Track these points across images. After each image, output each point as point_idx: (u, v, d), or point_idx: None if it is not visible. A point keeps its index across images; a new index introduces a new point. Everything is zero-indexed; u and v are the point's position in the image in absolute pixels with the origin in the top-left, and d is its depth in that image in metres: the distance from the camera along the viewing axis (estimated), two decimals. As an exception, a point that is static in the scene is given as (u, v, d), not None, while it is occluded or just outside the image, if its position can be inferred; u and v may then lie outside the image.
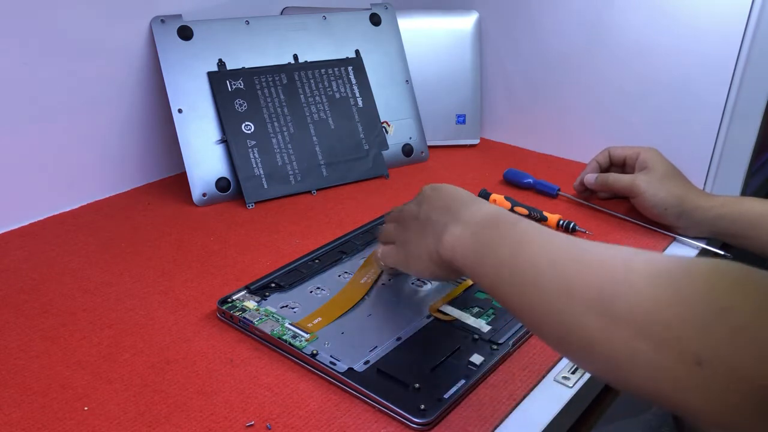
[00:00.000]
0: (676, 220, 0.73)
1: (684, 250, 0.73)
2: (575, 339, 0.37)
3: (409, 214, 0.56)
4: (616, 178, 0.77)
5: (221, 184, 0.81)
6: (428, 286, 0.64)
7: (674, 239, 0.74)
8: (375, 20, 0.93)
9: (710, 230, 0.71)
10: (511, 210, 0.78)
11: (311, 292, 0.63)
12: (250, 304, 0.60)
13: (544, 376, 0.53)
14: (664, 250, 0.72)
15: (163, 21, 0.80)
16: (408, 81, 0.94)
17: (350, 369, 0.52)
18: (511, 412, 0.50)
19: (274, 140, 0.83)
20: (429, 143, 0.96)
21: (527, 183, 0.85)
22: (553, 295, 0.39)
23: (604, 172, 0.81)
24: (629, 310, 0.34)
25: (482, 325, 0.57)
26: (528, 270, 0.41)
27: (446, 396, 0.49)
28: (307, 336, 0.56)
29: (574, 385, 0.53)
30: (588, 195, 0.83)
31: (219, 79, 0.82)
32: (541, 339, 0.41)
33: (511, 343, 0.55)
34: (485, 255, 0.46)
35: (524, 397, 0.51)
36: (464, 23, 0.95)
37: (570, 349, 0.39)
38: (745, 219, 0.67)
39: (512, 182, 0.87)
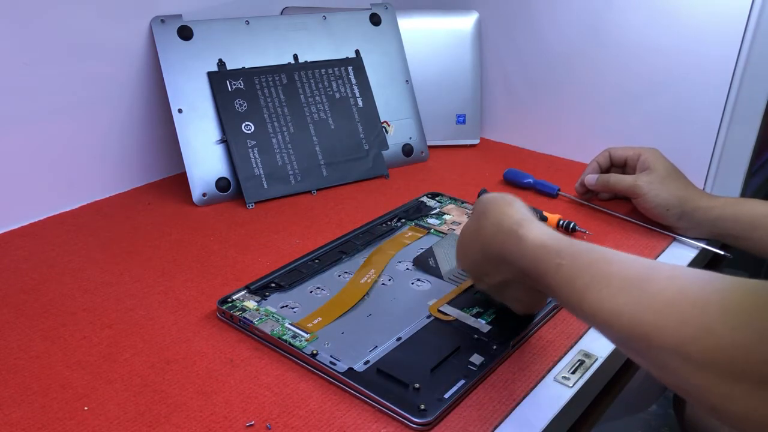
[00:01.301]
0: (677, 220, 0.73)
1: (684, 250, 0.73)
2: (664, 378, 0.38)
3: (473, 212, 0.57)
4: (618, 179, 0.77)
5: (221, 184, 0.81)
6: (428, 286, 0.64)
7: (674, 239, 0.74)
8: (375, 20, 0.93)
9: (711, 231, 0.71)
10: (511, 210, 0.78)
11: (311, 292, 0.63)
12: (250, 304, 0.60)
13: (544, 376, 0.53)
14: (663, 250, 0.72)
15: (163, 21, 0.80)
16: (408, 81, 0.94)
17: (350, 369, 0.52)
18: (511, 412, 0.50)
19: (274, 140, 0.83)
20: (429, 143, 0.96)
21: (527, 183, 0.85)
22: (630, 342, 0.39)
23: (604, 172, 0.81)
24: (712, 357, 0.34)
25: (482, 325, 0.57)
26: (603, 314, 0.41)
27: (446, 396, 0.49)
28: (307, 336, 0.56)
29: (574, 385, 0.53)
30: (589, 196, 0.82)
31: (219, 79, 0.82)
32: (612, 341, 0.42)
33: (511, 343, 0.55)
34: (565, 264, 0.45)
35: (524, 397, 0.51)
36: (464, 23, 0.95)
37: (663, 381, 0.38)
38: (745, 220, 0.67)
39: (512, 182, 0.87)
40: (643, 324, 0.37)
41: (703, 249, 0.72)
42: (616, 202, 0.82)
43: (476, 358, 0.53)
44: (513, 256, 0.50)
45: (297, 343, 0.55)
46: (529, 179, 0.85)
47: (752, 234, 0.67)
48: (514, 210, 0.52)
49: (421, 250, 0.69)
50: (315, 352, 0.54)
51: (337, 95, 0.88)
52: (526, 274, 0.49)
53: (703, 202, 0.71)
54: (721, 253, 0.72)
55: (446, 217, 0.77)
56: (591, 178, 0.80)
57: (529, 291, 0.54)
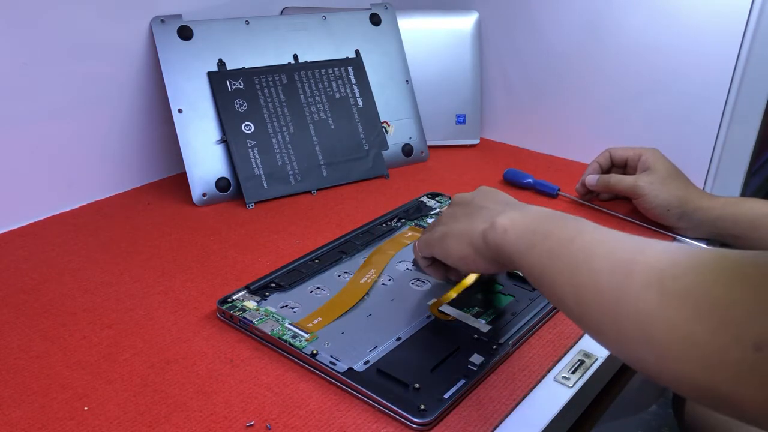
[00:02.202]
0: (677, 221, 0.73)
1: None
2: (630, 319, 0.36)
3: (459, 200, 0.56)
4: (618, 180, 0.77)
5: (221, 184, 0.81)
6: (428, 286, 0.64)
7: (674, 240, 0.74)
8: (375, 20, 0.93)
9: (711, 231, 0.71)
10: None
11: (311, 292, 0.63)
12: (250, 304, 0.60)
13: (544, 376, 0.53)
14: (664, 250, 0.72)
15: (163, 21, 0.80)
16: (408, 81, 0.94)
17: (350, 369, 0.52)
18: (511, 412, 0.50)
19: (274, 140, 0.83)
20: (429, 143, 0.96)
21: (527, 183, 0.85)
22: (611, 274, 0.38)
23: (605, 173, 0.81)
24: (688, 289, 0.34)
25: (482, 325, 0.57)
26: (584, 251, 0.41)
27: (446, 396, 0.49)
28: (307, 336, 0.56)
29: (574, 385, 0.53)
30: (590, 197, 0.82)
31: (219, 79, 0.82)
32: (588, 324, 0.40)
33: (511, 343, 0.55)
34: (538, 241, 0.45)
35: (524, 397, 0.51)
36: (464, 23, 0.95)
37: (621, 330, 0.37)
38: (745, 220, 0.67)
39: (512, 182, 0.87)
40: (626, 257, 0.38)
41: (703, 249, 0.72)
42: (616, 202, 0.82)
43: (476, 358, 0.53)
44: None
45: (297, 343, 0.55)
46: (529, 179, 0.85)
47: (752, 234, 0.67)
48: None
49: (421, 250, 0.69)
50: (315, 352, 0.54)
51: (337, 95, 0.88)
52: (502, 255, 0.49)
53: (703, 202, 0.71)
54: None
55: (446, 217, 0.77)
56: (591, 179, 0.80)
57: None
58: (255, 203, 0.81)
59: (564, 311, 0.43)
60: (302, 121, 0.85)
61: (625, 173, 0.79)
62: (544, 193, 0.84)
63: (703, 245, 0.72)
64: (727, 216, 0.69)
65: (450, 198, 0.81)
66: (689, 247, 0.37)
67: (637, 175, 0.76)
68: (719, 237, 0.72)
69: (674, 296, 0.34)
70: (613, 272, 0.38)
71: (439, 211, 0.78)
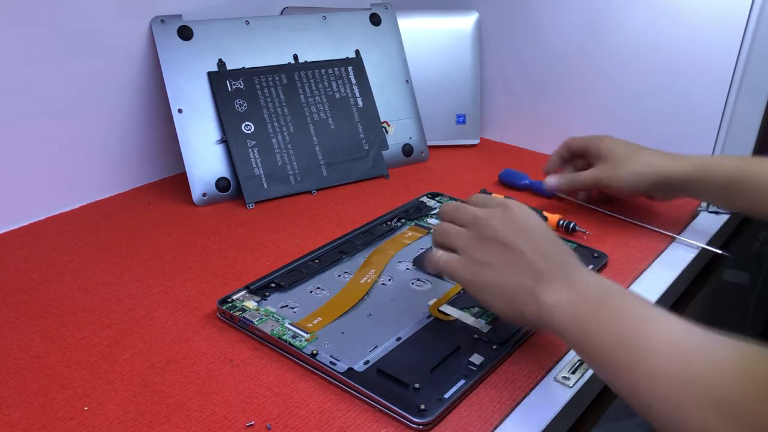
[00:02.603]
0: (655, 193, 0.73)
1: (684, 251, 0.73)
2: (688, 428, 0.38)
3: (493, 234, 0.51)
4: (580, 178, 0.76)
5: (221, 184, 0.81)
6: (428, 286, 0.64)
7: (674, 240, 0.74)
8: (375, 20, 0.93)
9: (686, 194, 0.71)
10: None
11: (311, 292, 0.63)
12: (250, 304, 0.60)
13: (544, 376, 0.53)
14: (663, 251, 0.72)
15: (163, 21, 0.80)
16: (408, 81, 0.94)
17: (350, 369, 0.52)
18: (511, 412, 0.50)
19: (274, 140, 0.83)
20: (429, 143, 0.96)
21: (523, 185, 0.85)
22: (669, 385, 0.39)
23: (566, 163, 0.80)
24: (742, 412, 0.35)
25: (482, 325, 0.57)
26: (640, 356, 0.41)
27: (446, 396, 0.49)
28: (307, 336, 0.56)
29: (574, 385, 0.53)
30: (584, 195, 0.81)
31: (219, 79, 0.82)
32: (648, 420, 0.41)
33: (511, 343, 0.55)
34: (593, 332, 0.45)
35: (524, 397, 0.51)
36: (464, 23, 0.95)
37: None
38: (719, 179, 0.67)
39: (508, 184, 0.87)
40: (684, 369, 0.39)
41: (703, 249, 0.72)
42: (613, 204, 0.81)
43: (476, 358, 0.53)
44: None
45: (297, 343, 0.55)
46: (525, 181, 0.85)
47: (722, 194, 0.68)
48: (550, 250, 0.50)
49: (421, 250, 0.69)
50: (315, 352, 0.54)
51: (337, 95, 0.88)
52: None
53: (670, 167, 0.70)
54: (720, 252, 0.72)
55: (446, 217, 0.77)
56: (552, 183, 0.78)
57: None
58: (255, 203, 0.81)
59: (626, 401, 0.43)
60: (302, 121, 0.85)
61: (586, 163, 0.78)
62: (540, 194, 0.84)
63: (702, 245, 0.72)
64: (699, 178, 0.68)
65: (450, 198, 0.81)
66: (738, 348, 0.38)
67: (595, 167, 0.75)
68: (696, 197, 0.73)
69: (729, 417, 0.35)
70: (679, 394, 0.39)
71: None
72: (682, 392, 0.38)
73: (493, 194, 0.80)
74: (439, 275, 0.64)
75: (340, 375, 0.51)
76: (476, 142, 1.00)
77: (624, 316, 0.44)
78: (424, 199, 0.81)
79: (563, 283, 0.48)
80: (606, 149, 0.74)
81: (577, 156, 0.79)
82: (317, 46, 0.89)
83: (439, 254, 0.55)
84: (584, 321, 0.46)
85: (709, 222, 0.79)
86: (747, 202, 0.66)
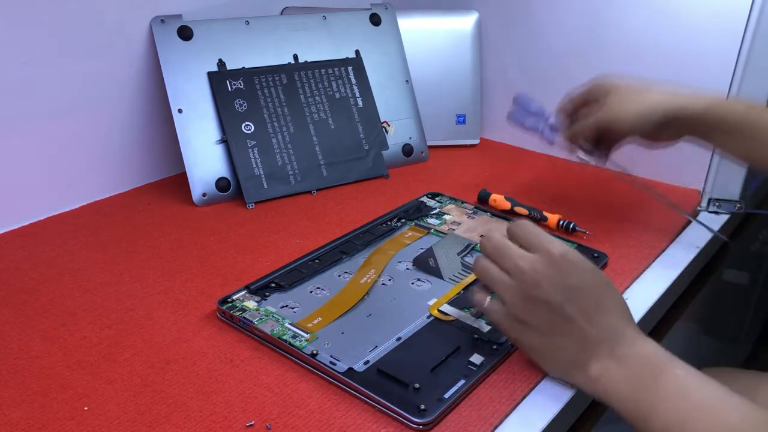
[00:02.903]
0: (661, 132, 0.66)
1: (684, 251, 0.73)
2: None
3: (540, 293, 0.48)
4: (582, 123, 0.69)
5: (221, 184, 0.81)
6: (428, 286, 0.64)
7: (674, 240, 0.74)
8: (375, 20, 0.93)
9: (696, 134, 0.67)
10: (511, 210, 0.78)
11: (311, 292, 0.63)
12: (250, 304, 0.60)
13: (544, 376, 0.53)
14: (663, 250, 0.72)
15: (163, 21, 0.80)
16: (408, 81, 0.94)
17: (350, 369, 0.52)
18: (511, 412, 0.50)
19: (274, 140, 0.83)
20: (429, 143, 0.96)
21: (532, 123, 0.76)
22: None
23: (573, 118, 0.73)
24: None
25: (482, 325, 0.57)
26: None
27: (446, 396, 0.49)
28: (307, 336, 0.56)
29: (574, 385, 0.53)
30: (598, 154, 0.73)
31: (219, 79, 0.82)
32: None
33: (511, 343, 0.55)
34: (646, 408, 0.44)
35: (524, 397, 0.51)
36: (464, 23, 0.95)
37: None
38: (729, 122, 0.64)
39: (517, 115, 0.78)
40: None
41: (704, 248, 0.72)
42: (618, 195, 0.81)
43: (476, 358, 0.53)
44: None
45: (297, 343, 0.55)
46: (535, 112, 0.76)
47: (731, 137, 0.64)
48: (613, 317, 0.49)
49: (421, 250, 0.69)
50: (315, 352, 0.54)
51: (337, 95, 0.88)
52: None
53: (683, 103, 0.65)
54: (723, 237, 0.71)
55: (446, 217, 0.77)
56: (549, 136, 0.73)
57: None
58: (255, 203, 0.81)
59: None
60: (302, 121, 0.85)
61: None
62: (545, 139, 0.76)
63: (702, 245, 0.72)
64: (711, 117, 0.64)
65: (450, 198, 0.81)
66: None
67: (603, 106, 0.68)
68: (704, 139, 0.67)
69: None
70: None
71: (439, 211, 0.78)
72: None
73: (493, 194, 0.80)
74: (439, 275, 0.65)
75: (340, 375, 0.51)
76: (476, 142, 1.00)
77: (675, 397, 0.44)
78: (424, 199, 0.81)
79: (610, 355, 0.47)
80: (609, 88, 0.68)
81: (583, 106, 0.72)
82: (317, 46, 0.89)
83: (485, 299, 0.53)
84: (636, 399, 0.45)
85: (710, 222, 0.79)
86: (758, 151, 0.63)
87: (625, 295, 0.64)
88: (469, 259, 0.68)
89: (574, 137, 0.71)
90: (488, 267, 0.52)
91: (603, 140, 0.71)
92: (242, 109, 0.82)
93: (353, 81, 0.90)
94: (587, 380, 0.48)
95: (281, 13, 0.94)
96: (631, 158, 0.88)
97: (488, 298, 0.52)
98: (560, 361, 0.50)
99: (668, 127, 0.66)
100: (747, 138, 0.63)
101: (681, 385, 0.44)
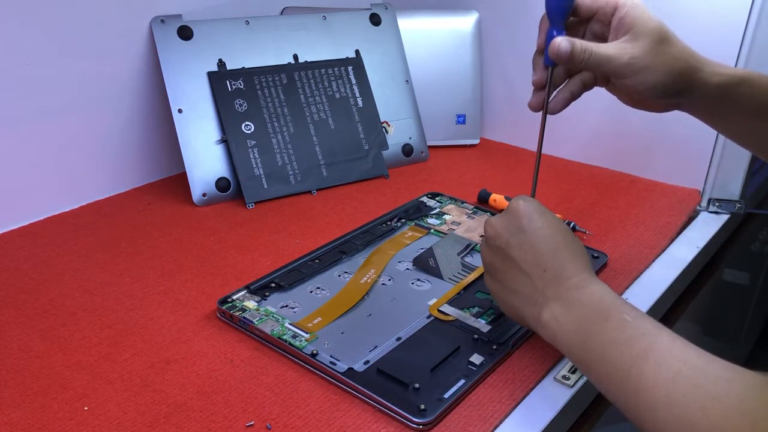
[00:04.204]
0: (673, 102, 0.56)
1: (683, 251, 0.73)
2: None
3: (494, 241, 0.52)
4: (600, 53, 0.53)
5: (221, 184, 0.81)
6: (428, 286, 0.64)
7: (674, 240, 0.74)
8: (375, 20, 0.93)
9: (711, 109, 0.57)
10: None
11: (311, 292, 0.63)
12: (250, 304, 0.60)
13: (544, 376, 0.53)
14: (663, 250, 0.72)
15: (163, 21, 0.80)
16: (408, 81, 0.94)
17: (350, 369, 0.52)
18: (511, 412, 0.50)
19: (274, 140, 0.83)
20: (429, 143, 0.96)
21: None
22: (665, 416, 0.39)
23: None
24: None
25: (482, 325, 0.57)
26: (643, 391, 0.40)
27: (446, 396, 0.50)
28: (307, 336, 0.56)
29: (574, 384, 0.53)
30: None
31: (219, 79, 0.82)
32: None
33: (511, 343, 0.55)
34: (593, 354, 0.44)
35: (524, 397, 0.51)
36: (464, 23, 0.95)
37: None
38: (758, 98, 0.55)
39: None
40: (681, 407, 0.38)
41: (704, 248, 0.72)
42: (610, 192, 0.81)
43: (476, 358, 0.53)
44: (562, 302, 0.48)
45: (297, 343, 0.55)
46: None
47: (757, 119, 0.55)
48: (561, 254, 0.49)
49: (421, 250, 0.69)
50: (315, 352, 0.54)
51: (337, 95, 0.88)
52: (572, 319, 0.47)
53: (706, 68, 0.55)
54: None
55: (446, 217, 0.77)
56: (564, 46, 0.53)
57: None
58: (255, 203, 0.81)
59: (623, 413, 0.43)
60: (302, 121, 0.85)
61: (593, 32, 0.57)
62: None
63: (702, 244, 0.72)
64: (736, 95, 0.55)
65: (450, 198, 0.81)
66: (738, 379, 0.37)
67: (618, 42, 0.53)
68: (718, 114, 0.58)
69: None
70: (676, 427, 0.38)
71: (439, 211, 0.78)
72: (677, 424, 0.38)
73: (493, 194, 0.80)
74: (439, 275, 0.65)
75: (340, 375, 0.51)
76: (476, 142, 1.00)
77: (622, 342, 0.43)
78: (424, 199, 0.81)
79: (558, 300, 0.48)
80: (639, 19, 0.52)
81: (579, 17, 0.57)
82: (317, 46, 0.89)
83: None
84: (582, 344, 0.45)
85: (709, 222, 0.79)
86: None
87: (625, 295, 0.64)
88: (469, 259, 0.68)
89: (585, 66, 0.54)
90: (483, 247, 0.55)
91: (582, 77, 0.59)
92: (242, 109, 0.82)
93: (353, 81, 0.90)
94: (538, 325, 0.49)
95: (281, 13, 0.94)
96: (631, 158, 0.89)
97: None
98: (515, 307, 0.52)
99: (686, 99, 0.56)
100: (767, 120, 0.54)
101: (628, 329, 0.43)
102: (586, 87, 0.59)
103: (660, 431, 0.39)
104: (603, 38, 0.56)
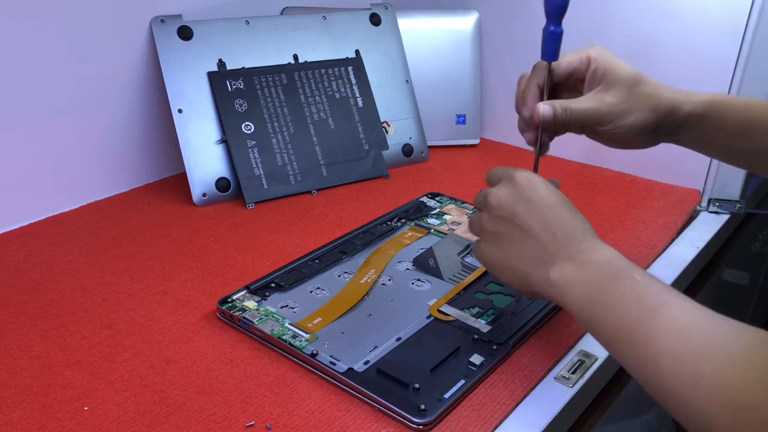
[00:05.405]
0: (653, 136, 0.58)
1: (683, 250, 0.73)
2: (692, 422, 0.38)
3: (498, 211, 0.51)
4: (580, 109, 0.56)
5: (221, 184, 0.81)
6: (428, 286, 0.64)
7: (674, 239, 0.74)
8: (375, 20, 0.93)
9: (689, 135, 0.59)
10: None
11: (311, 292, 0.63)
12: (250, 304, 0.60)
13: (544, 376, 0.53)
14: (664, 249, 0.72)
15: (163, 21, 0.80)
16: (408, 81, 0.94)
17: (350, 369, 0.52)
18: (511, 412, 0.50)
19: (274, 140, 0.83)
20: (429, 143, 0.96)
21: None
22: (678, 380, 0.38)
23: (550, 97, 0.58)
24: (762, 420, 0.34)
25: (482, 325, 0.57)
26: (650, 346, 0.40)
27: (446, 396, 0.50)
28: (307, 336, 0.56)
29: (574, 384, 0.53)
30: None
31: (219, 79, 0.82)
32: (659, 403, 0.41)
33: (511, 343, 0.55)
34: (601, 311, 0.44)
35: (524, 397, 0.51)
36: (464, 23, 0.95)
37: (687, 424, 0.38)
38: (732, 118, 0.57)
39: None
40: (689, 368, 0.38)
41: (704, 248, 0.72)
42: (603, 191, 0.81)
43: (476, 358, 0.53)
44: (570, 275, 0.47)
45: (297, 343, 0.55)
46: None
47: (740, 140, 0.57)
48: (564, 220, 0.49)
49: (421, 250, 0.69)
50: (315, 352, 0.54)
51: (337, 95, 0.88)
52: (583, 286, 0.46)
53: (676, 98, 0.57)
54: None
55: (446, 217, 0.77)
56: (546, 112, 0.56)
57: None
58: (255, 203, 0.81)
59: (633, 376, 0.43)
60: (302, 121, 0.85)
61: (568, 90, 0.59)
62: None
63: (702, 244, 0.72)
64: (713, 115, 0.57)
65: (450, 198, 0.81)
66: (743, 336, 0.37)
67: (593, 93, 0.57)
68: (698, 141, 0.59)
69: (734, 410, 0.35)
70: (679, 378, 0.38)
71: (439, 212, 0.78)
72: (679, 373, 0.38)
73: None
74: (439, 275, 0.65)
75: (340, 375, 0.51)
76: (476, 142, 1.00)
77: (630, 299, 0.43)
78: (424, 199, 0.81)
79: (568, 260, 0.47)
80: (610, 67, 0.56)
81: (557, 84, 0.59)
82: (317, 46, 0.89)
83: (474, 244, 0.55)
84: (591, 302, 0.45)
85: (709, 222, 0.79)
86: (760, 152, 0.57)
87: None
88: (469, 259, 0.68)
89: (568, 125, 0.57)
90: (473, 216, 0.55)
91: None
92: (242, 109, 0.82)
93: (353, 81, 0.90)
94: (547, 285, 0.48)
95: (281, 13, 0.94)
96: (631, 158, 0.88)
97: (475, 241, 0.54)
98: (525, 274, 0.50)
99: (664, 131, 0.58)
100: (748, 138, 0.57)
101: (637, 287, 0.43)
102: (558, 133, 0.61)
103: (664, 384, 0.39)
104: (577, 93, 0.59)
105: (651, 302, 0.42)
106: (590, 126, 0.57)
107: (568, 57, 0.59)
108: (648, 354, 0.40)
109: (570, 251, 0.47)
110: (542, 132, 0.59)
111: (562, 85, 0.59)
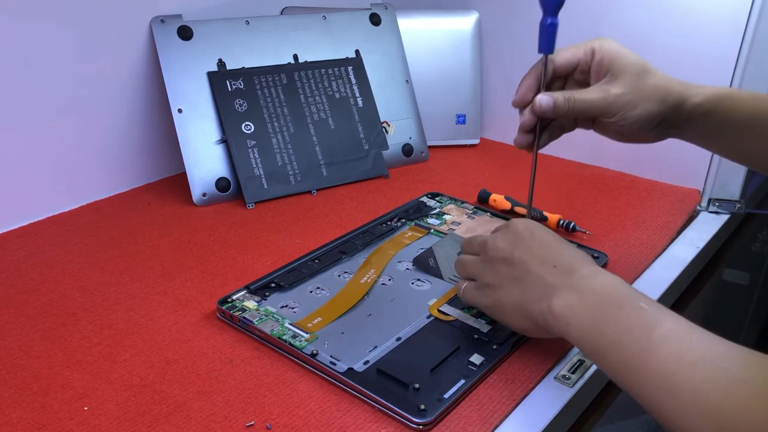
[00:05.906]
0: (660, 128, 0.57)
1: (683, 250, 0.73)
2: None
3: (497, 253, 0.52)
4: (585, 100, 0.55)
5: (221, 184, 0.81)
6: (428, 286, 0.64)
7: (674, 239, 0.74)
8: (375, 20, 0.93)
9: (694, 129, 0.58)
10: (511, 210, 0.78)
11: (311, 292, 0.63)
12: (250, 304, 0.60)
13: (544, 376, 0.53)
14: (664, 249, 0.72)
15: (163, 21, 0.80)
16: (408, 81, 0.94)
17: (350, 369, 0.52)
18: (511, 412, 0.50)
19: (274, 140, 0.83)
20: (429, 143, 0.96)
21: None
22: (688, 410, 0.38)
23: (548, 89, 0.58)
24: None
25: (482, 325, 0.57)
26: (662, 372, 0.40)
27: (446, 396, 0.49)
28: (307, 336, 0.56)
29: (574, 384, 0.53)
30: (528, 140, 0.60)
31: (219, 79, 0.82)
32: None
33: (510, 343, 0.55)
34: (606, 340, 0.44)
35: (524, 397, 0.51)
36: (464, 23, 0.95)
37: None
38: (737, 114, 0.56)
39: None
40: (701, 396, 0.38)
41: (704, 248, 0.72)
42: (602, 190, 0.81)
43: (476, 358, 0.53)
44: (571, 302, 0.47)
45: (297, 343, 0.55)
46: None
47: (747, 132, 0.56)
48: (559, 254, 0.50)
49: (421, 250, 0.69)
50: (315, 352, 0.54)
51: (337, 95, 0.88)
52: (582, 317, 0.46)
53: (686, 91, 0.56)
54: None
55: (446, 217, 0.77)
56: (546, 100, 0.55)
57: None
58: (255, 203, 0.81)
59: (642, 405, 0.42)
60: (302, 121, 0.85)
61: (574, 82, 0.59)
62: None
63: (702, 244, 0.72)
64: (717, 109, 0.56)
65: (450, 198, 0.81)
66: (735, 357, 0.38)
67: (600, 84, 0.56)
68: (702, 136, 0.59)
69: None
70: (702, 414, 0.38)
71: (439, 212, 0.78)
72: (700, 407, 0.38)
73: (493, 194, 0.80)
74: (439, 275, 0.65)
75: (340, 375, 0.51)
76: (476, 142, 1.00)
77: (636, 328, 0.43)
78: (424, 199, 0.81)
79: (570, 289, 0.47)
80: (617, 59, 0.55)
81: (559, 77, 0.59)
82: (317, 46, 0.89)
83: (460, 285, 0.57)
84: (597, 331, 0.45)
85: (709, 222, 0.79)
86: (765, 147, 0.56)
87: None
88: (469, 259, 0.68)
89: (572, 115, 0.56)
90: (462, 257, 0.57)
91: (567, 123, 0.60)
92: (242, 109, 0.82)
93: (353, 81, 0.90)
94: (549, 317, 0.47)
95: (281, 13, 0.94)
96: (631, 158, 0.89)
97: (464, 284, 0.56)
98: (528, 310, 0.50)
99: (672, 123, 0.57)
100: (753, 132, 0.56)
101: (644, 317, 0.43)
102: (565, 130, 0.61)
103: (682, 416, 0.39)
104: (586, 85, 0.58)
105: (661, 331, 0.42)
106: (598, 116, 0.57)
107: (572, 49, 0.58)
108: (661, 386, 0.40)
109: (571, 280, 0.48)
110: (540, 132, 0.59)
111: (569, 78, 0.59)
